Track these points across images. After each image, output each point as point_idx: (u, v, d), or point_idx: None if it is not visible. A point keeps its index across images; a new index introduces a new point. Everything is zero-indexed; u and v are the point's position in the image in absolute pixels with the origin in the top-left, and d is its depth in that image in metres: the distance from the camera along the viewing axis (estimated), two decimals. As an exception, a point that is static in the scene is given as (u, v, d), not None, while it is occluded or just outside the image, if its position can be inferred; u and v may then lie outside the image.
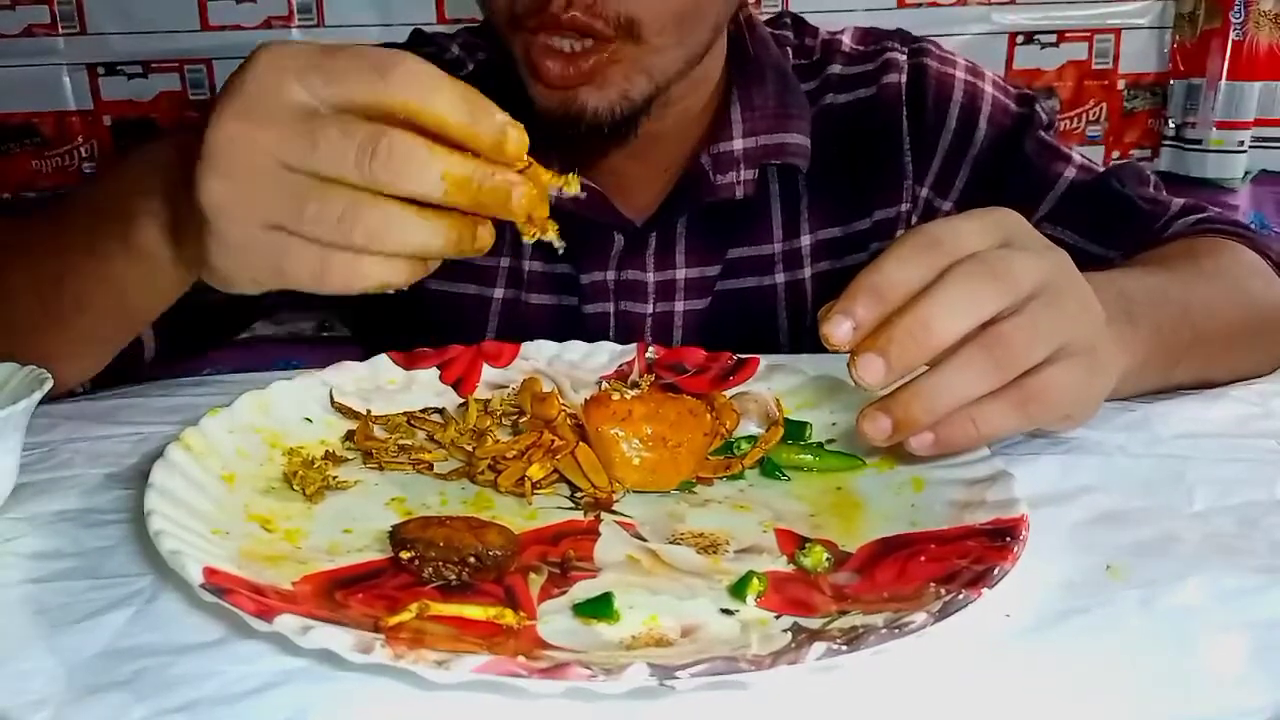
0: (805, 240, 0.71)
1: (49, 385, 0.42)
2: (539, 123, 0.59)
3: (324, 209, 0.34)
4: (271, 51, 0.35)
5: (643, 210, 0.69)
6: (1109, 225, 0.67)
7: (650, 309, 0.70)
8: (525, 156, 0.36)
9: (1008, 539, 0.37)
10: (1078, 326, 0.39)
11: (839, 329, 0.37)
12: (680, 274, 0.69)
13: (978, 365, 0.37)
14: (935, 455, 0.39)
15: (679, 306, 0.70)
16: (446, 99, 0.34)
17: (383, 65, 0.34)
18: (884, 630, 0.31)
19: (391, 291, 0.36)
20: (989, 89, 0.72)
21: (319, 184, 0.34)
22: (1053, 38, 1.52)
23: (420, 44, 0.72)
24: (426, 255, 0.36)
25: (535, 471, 0.43)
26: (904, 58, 0.71)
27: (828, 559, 0.38)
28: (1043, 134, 0.70)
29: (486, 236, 0.36)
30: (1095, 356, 0.39)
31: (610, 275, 0.69)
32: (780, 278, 0.71)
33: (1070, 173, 0.69)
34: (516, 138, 0.35)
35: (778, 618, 0.34)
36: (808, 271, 0.71)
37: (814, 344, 0.40)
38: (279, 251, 0.35)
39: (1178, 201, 0.68)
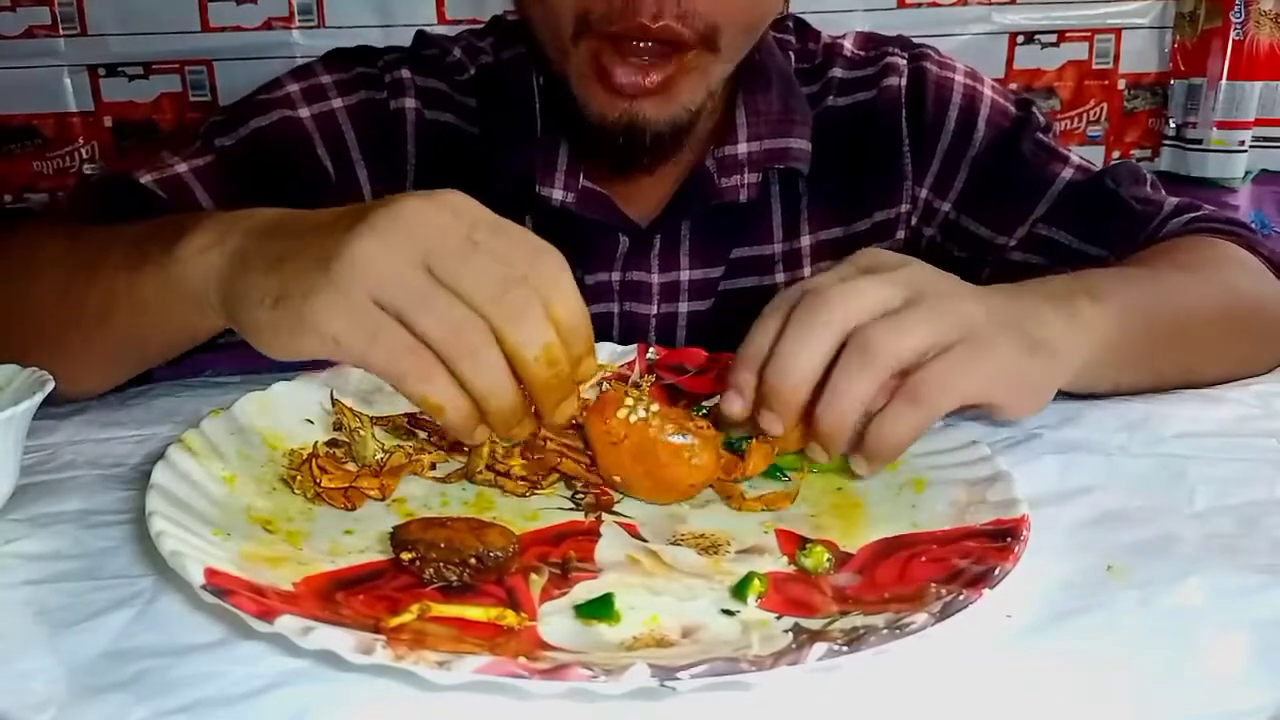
0: (805, 241, 0.71)
1: (50, 387, 0.43)
2: (590, 132, 0.60)
3: (448, 313, 0.36)
4: (458, 195, 0.38)
5: (647, 212, 0.69)
6: (1102, 226, 0.67)
7: (654, 310, 0.70)
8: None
9: (1009, 539, 0.37)
10: (945, 318, 0.41)
11: (733, 406, 0.42)
12: (684, 275, 0.70)
13: (851, 365, 0.40)
14: (875, 470, 0.42)
15: (683, 308, 0.70)
16: (573, 306, 0.38)
17: (540, 248, 0.38)
18: (885, 631, 0.31)
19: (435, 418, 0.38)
20: (987, 92, 0.72)
21: (449, 293, 0.36)
22: (1053, 38, 1.52)
23: (423, 46, 0.72)
24: (484, 404, 0.37)
25: (517, 466, 0.44)
26: (904, 62, 0.72)
27: (829, 560, 0.38)
28: (1040, 135, 0.71)
29: (522, 432, 0.39)
30: (976, 344, 0.41)
31: (615, 276, 0.69)
32: (780, 278, 0.71)
33: (1067, 173, 0.69)
34: (592, 365, 0.39)
35: (779, 618, 0.35)
36: (808, 271, 0.72)
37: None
38: (380, 330, 0.36)
39: (1171, 200, 0.68)
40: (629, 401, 0.42)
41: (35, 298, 0.53)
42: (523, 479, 0.44)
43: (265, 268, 0.38)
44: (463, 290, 0.36)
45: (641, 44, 0.56)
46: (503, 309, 0.36)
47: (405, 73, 0.69)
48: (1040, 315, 0.44)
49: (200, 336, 0.49)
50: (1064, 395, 0.56)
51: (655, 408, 0.42)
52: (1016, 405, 0.44)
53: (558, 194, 0.65)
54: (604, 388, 0.47)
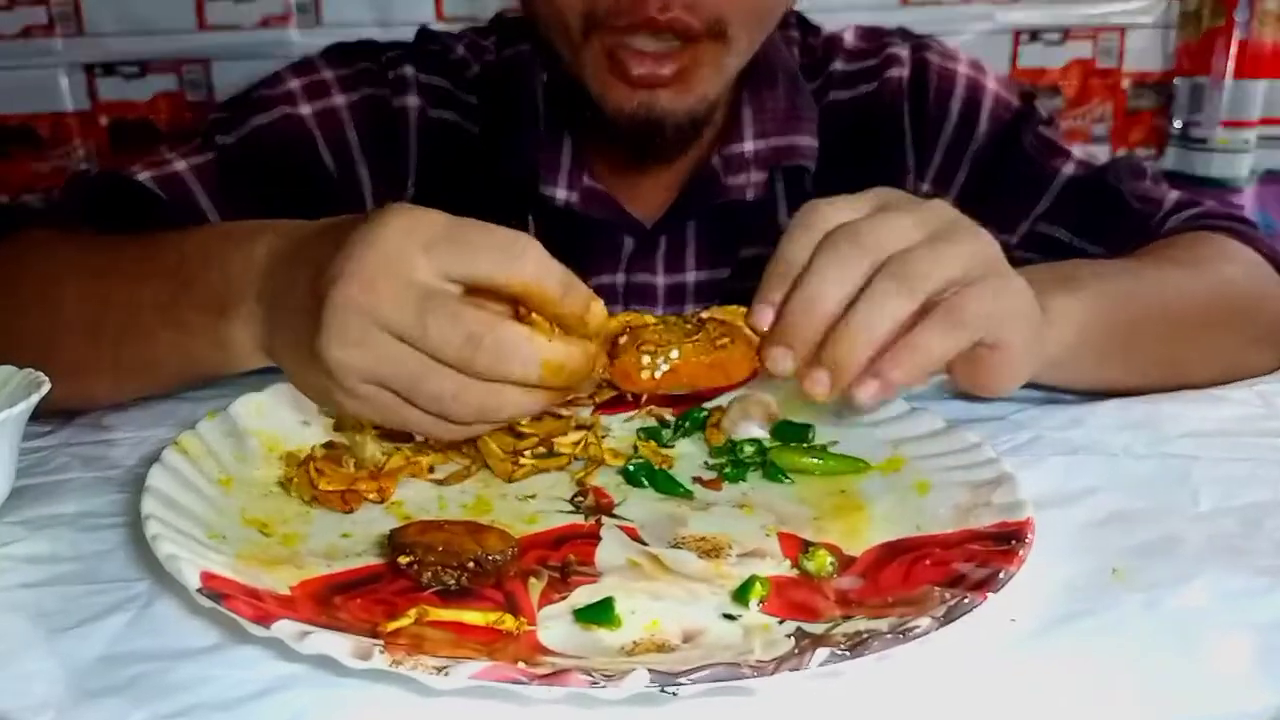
0: None
1: (46, 389, 0.42)
2: (608, 126, 0.59)
3: (436, 390, 0.36)
4: (401, 214, 0.36)
5: (652, 212, 0.68)
6: (1103, 223, 0.66)
7: (660, 312, 0.69)
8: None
9: (1013, 542, 0.36)
10: (976, 248, 0.39)
11: (762, 318, 0.39)
12: (690, 277, 0.69)
13: (886, 290, 0.37)
14: (884, 399, 0.40)
15: (689, 310, 0.70)
16: (554, 282, 0.36)
17: (512, 250, 0.36)
18: (888, 635, 0.30)
19: None
20: (990, 84, 0.71)
21: (432, 364, 0.36)
22: (1057, 36, 1.51)
23: (426, 42, 0.72)
24: (517, 420, 0.40)
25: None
26: (906, 53, 0.71)
27: (831, 563, 0.38)
28: (1042, 129, 0.70)
29: (578, 390, 0.39)
30: (1006, 280, 0.40)
31: (619, 278, 0.69)
32: None
33: (1068, 169, 0.68)
34: (599, 311, 0.38)
35: (781, 623, 0.34)
36: None
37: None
38: (396, 405, 0.37)
39: (1172, 196, 0.67)
40: (646, 360, 0.39)
41: (55, 337, 0.51)
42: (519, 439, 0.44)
43: (293, 357, 0.39)
44: (441, 357, 0.35)
45: (648, 37, 0.56)
46: (479, 361, 0.35)
47: (409, 69, 0.68)
48: None
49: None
50: (1064, 396, 0.56)
51: (675, 354, 0.40)
52: (1023, 356, 0.42)
53: (561, 193, 0.65)
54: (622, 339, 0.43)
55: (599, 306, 0.38)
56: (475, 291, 0.36)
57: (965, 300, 0.38)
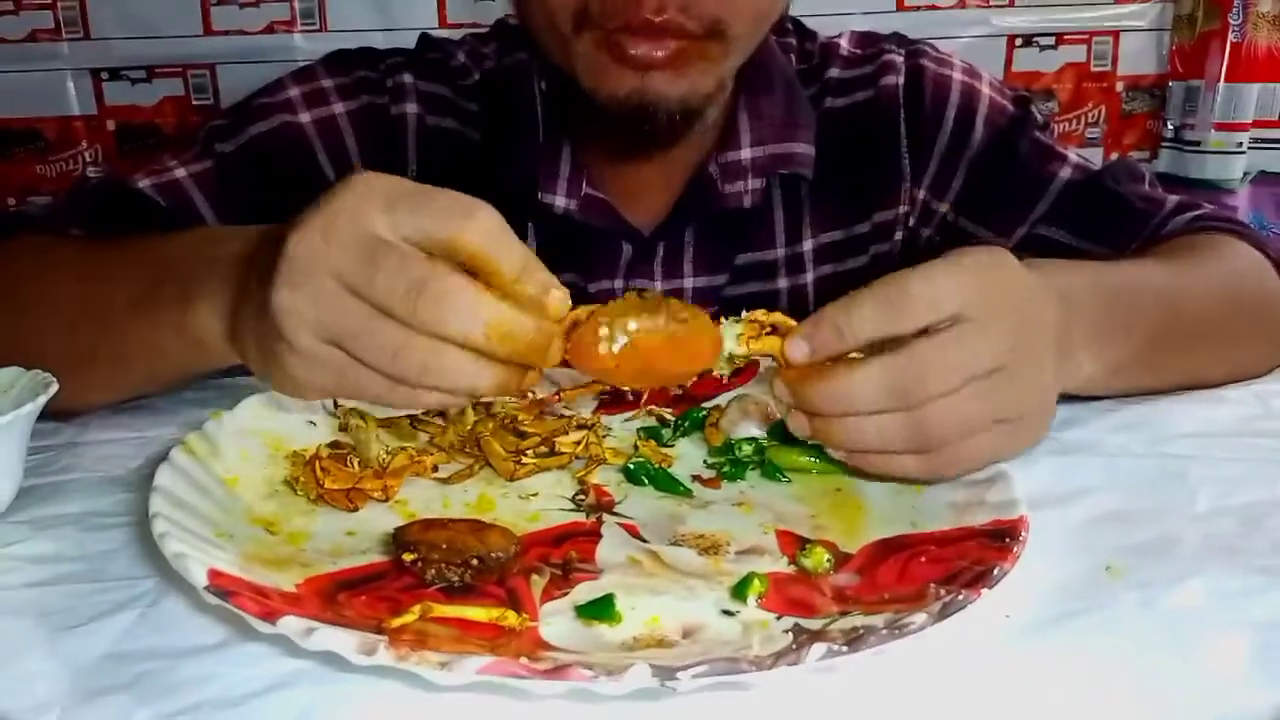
0: (807, 245, 0.71)
1: (54, 389, 0.43)
2: (601, 115, 0.59)
3: (381, 341, 0.35)
4: (365, 178, 0.37)
5: (650, 219, 0.69)
6: (1103, 225, 0.66)
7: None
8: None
9: (1007, 540, 0.37)
10: (1015, 401, 0.39)
11: (798, 352, 0.39)
12: (688, 283, 0.69)
13: (897, 423, 0.38)
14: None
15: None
16: (509, 254, 0.36)
17: (466, 209, 0.36)
18: (884, 631, 0.31)
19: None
20: (985, 90, 0.72)
21: (378, 316, 0.35)
22: (1051, 40, 1.52)
23: (427, 49, 0.72)
24: (475, 395, 0.37)
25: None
26: (901, 59, 0.71)
27: (828, 560, 0.38)
28: (1038, 134, 0.70)
29: (534, 377, 0.38)
30: (1027, 426, 0.40)
31: (618, 284, 0.69)
32: (783, 283, 0.71)
33: (1065, 173, 0.69)
34: (559, 298, 0.37)
35: (779, 619, 0.35)
36: (810, 276, 0.71)
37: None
38: (345, 366, 0.37)
39: (1172, 199, 0.67)
40: (603, 332, 0.38)
41: (42, 337, 0.52)
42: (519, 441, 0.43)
43: (249, 335, 0.40)
44: (381, 307, 0.35)
45: (643, 39, 0.56)
46: (420, 310, 0.35)
47: (407, 77, 0.69)
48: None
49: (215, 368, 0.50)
50: (1063, 397, 0.56)
51: (633, 325, 0.38)
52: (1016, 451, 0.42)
53: (560, 201, 0.65)
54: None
55: (560, 295, 0.37)
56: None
57: (960, 453, 0.38)
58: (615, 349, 0.38)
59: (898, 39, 0.74)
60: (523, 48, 0.68)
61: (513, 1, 0.64)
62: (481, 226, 0.36)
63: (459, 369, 0.36)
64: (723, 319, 0.41)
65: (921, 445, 0.38)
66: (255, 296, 0.38)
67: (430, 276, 0.35)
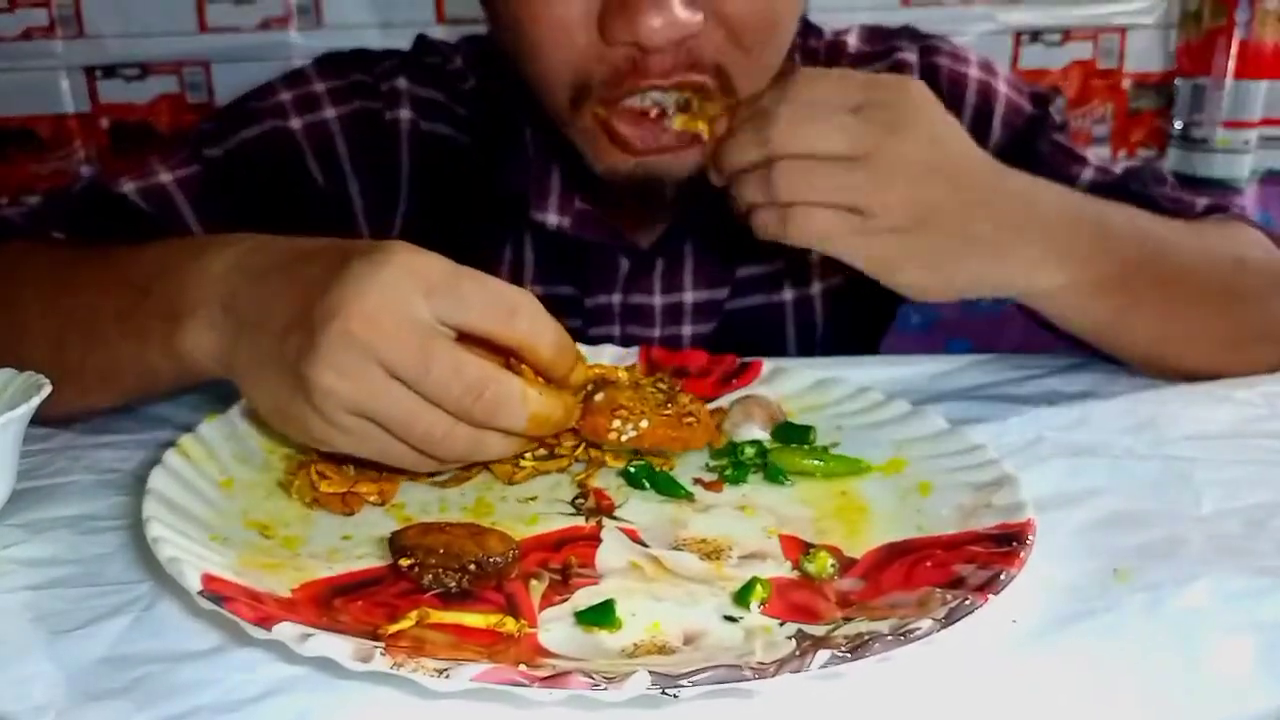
0: (814, 255, 0.70)
1: (47, 391, 0.42)
2: (602, 181, 0.57)
3: (426, 428, 0.37)
4: (400, 258, 0.37)
5: (649, 233, 0.67)
6: None
7: (657, 333, 0.68)
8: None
9: (1014, 544, 0.36)
10: (889, 193, 0.46)
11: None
12: (688, 297, 0.68)
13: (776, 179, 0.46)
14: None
15: (686, 330, 0.68)
16: (546, 341, 0.39)
17: (511, 307, 0.38)
18: (889, 637, 0.30)
19: None
20: (1002, 89, 0.70)
21: (425, 404, 0.37)
22: (1058, 37, 1.51)
23: (423, 52, 0.71)
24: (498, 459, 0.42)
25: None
26: (915, 57, 0.69)
27: (833, 565, 0.38)
28: (1057, 136, 0.69)
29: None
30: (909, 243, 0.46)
31: (616, 299, 0.67)
32: (789, 295, 0.70)
33: (1087, 174, 0.67)
34: (581, 369, 0.41)
35: (782, 624, 0.34)
36: (817, 288, 0.70)
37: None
38: (378, 437, 0.38)
39: (1201, 201, 0.66)
40: (616, 424, 0.43)
41: (30, 347, 0.51)
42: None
43: (258, 374, 0.40)
44: (437, 401, 0.37)
45: (651, 95, 0.53)
46: (475, 411, 0.37)
47: (402, 82, 0.67)
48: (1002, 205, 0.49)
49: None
50: (1066, 396, 0.56)
51: (644, 424, 0.43)
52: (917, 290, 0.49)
53: (552, 218, 0.63)
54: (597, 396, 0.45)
55: (583, 365, 0.41)
56: (465, 335, 0.37)
57: (800, 220, 0.46)
58: (624, 439, 0.43)
59: (910, 34, 0.72)
60: (508, 78, 0.64)
61: (501, 47, 0.60)
62: (524, 323, 0.38)
63: (494, 449, 0.39)
64: (723, 408, 0.47)
65: (770, 196, 0.45)
66: (269, 345, 0.38)
67: (486, 382, 0.37)
